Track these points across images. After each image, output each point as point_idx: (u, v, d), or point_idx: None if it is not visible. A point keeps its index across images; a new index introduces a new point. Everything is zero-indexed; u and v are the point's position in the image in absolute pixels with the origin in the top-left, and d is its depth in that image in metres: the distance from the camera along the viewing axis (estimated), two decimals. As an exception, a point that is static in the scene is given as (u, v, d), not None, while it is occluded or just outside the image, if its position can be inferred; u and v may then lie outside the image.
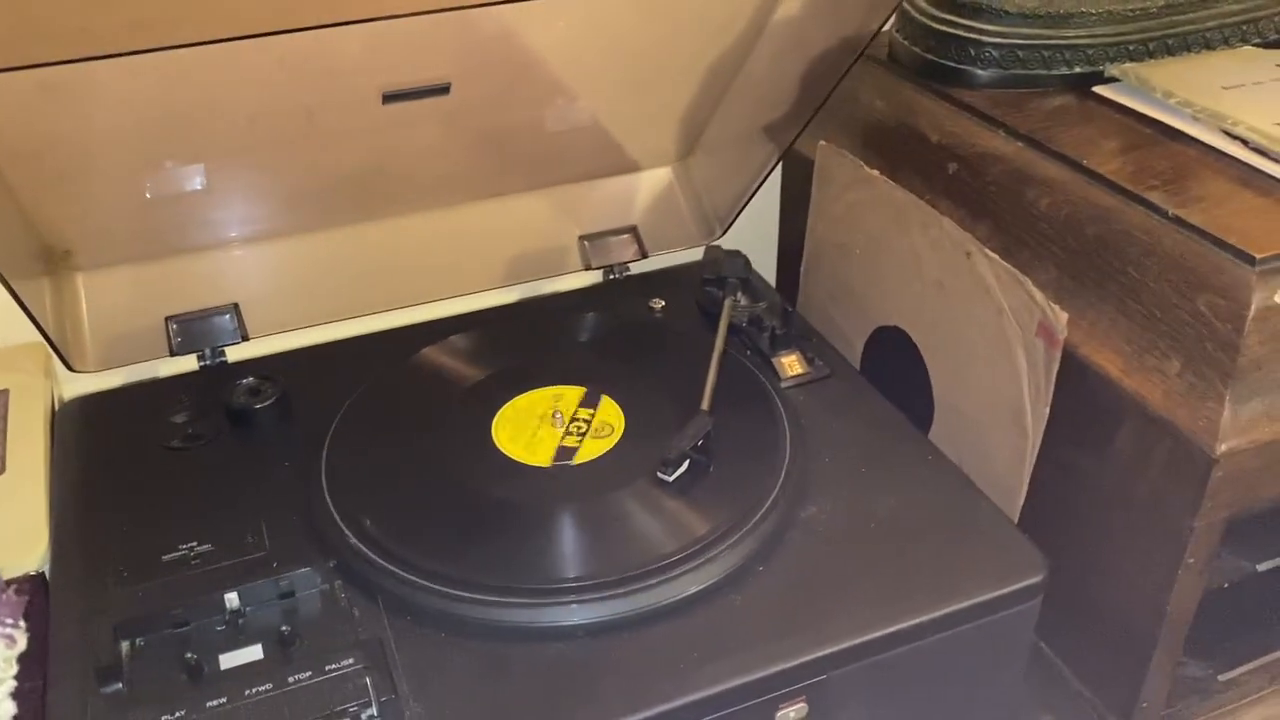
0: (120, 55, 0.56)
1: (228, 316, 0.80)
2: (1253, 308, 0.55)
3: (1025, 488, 0.69)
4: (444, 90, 0.69)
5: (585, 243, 0.90)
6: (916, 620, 0.59)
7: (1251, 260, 0.56)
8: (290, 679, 0.53)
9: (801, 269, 0.90)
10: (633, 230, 0.91)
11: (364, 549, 0.61)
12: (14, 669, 0.57)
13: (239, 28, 0.57)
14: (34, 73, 0.56)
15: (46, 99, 0.60)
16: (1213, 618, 0.65)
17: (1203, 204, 0.61)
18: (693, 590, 0.60)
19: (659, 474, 0.65)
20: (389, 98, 0.68)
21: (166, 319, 0.78)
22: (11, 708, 0.56)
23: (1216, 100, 0.70)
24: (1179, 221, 0.60)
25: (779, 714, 0.58)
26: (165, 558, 0.62)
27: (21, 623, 0.59)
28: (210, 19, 0.56)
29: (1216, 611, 0.65)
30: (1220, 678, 0.68)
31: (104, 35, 0.55)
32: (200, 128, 0.68)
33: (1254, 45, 0.77)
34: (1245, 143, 0.66)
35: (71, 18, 0.52)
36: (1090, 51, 0.75)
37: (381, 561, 0.60)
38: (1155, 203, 0.61)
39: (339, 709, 0.51)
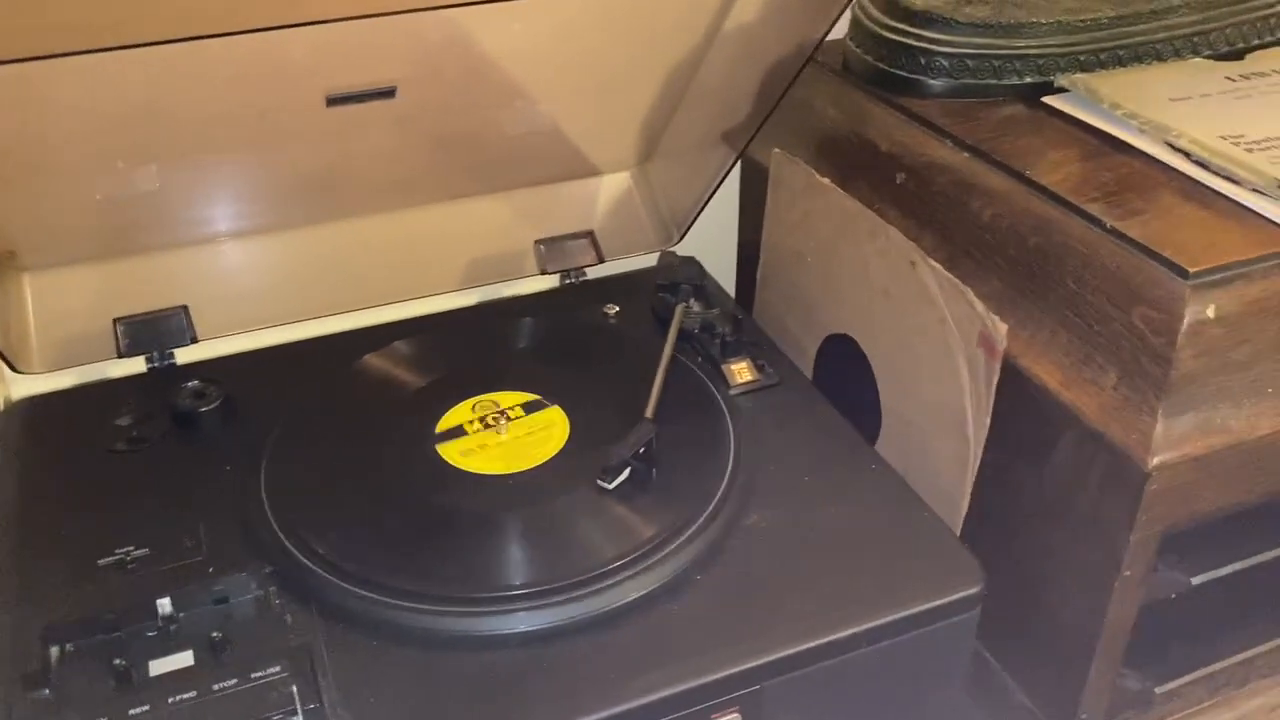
0: (67, 55, 0.56)
1: (177, 318, 0.79)
2: (1185, 321, 0.55)
3: (968, 497, 0.69)
4: (390, 94, 0.69)
5: (541, 247, 0.89)
6: (852, 630, 0.59)
7: (1185, 274, 0.56)
8: (215, 687, 0.53)
9: (758, 276, 0.90)
10: (590, 235, 0.91)
11: (298, 554, 0.61)
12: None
13: (187, 29, 0.57)
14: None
15: (-9, 98, 0.60)
16: (1152, 630, 0.65)
17: (1143, 217, 0.61)
18: (629, 599, 0.60)
19: (599, 481, 0.65)
20: (333, 100, 0.68)
21: (115, 320, 0.78)
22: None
23: (1163, 112, 0.70)
24: (1116, 234, 0.60)
25: (711, 724, 0.58)
26: (101, 561, 0.62)
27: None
28: (157, 20, 0.56)
29: (1156, 624, 0.65)
30: (1158, 690, 0.68)
31: (51, 35, 0.54)
32: (151, 128, 0.67)
33: (1204, 57, 0.78)
34: (1188, 155, 0.66)
35: (16, 17, 0.52)
36: (1041, 61, 0.75)
37: (313, 567, 0.60)
38: (1095, 214, 0.61)
39: (262, 718, 0.51)
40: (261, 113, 0.68)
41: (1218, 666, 0.72)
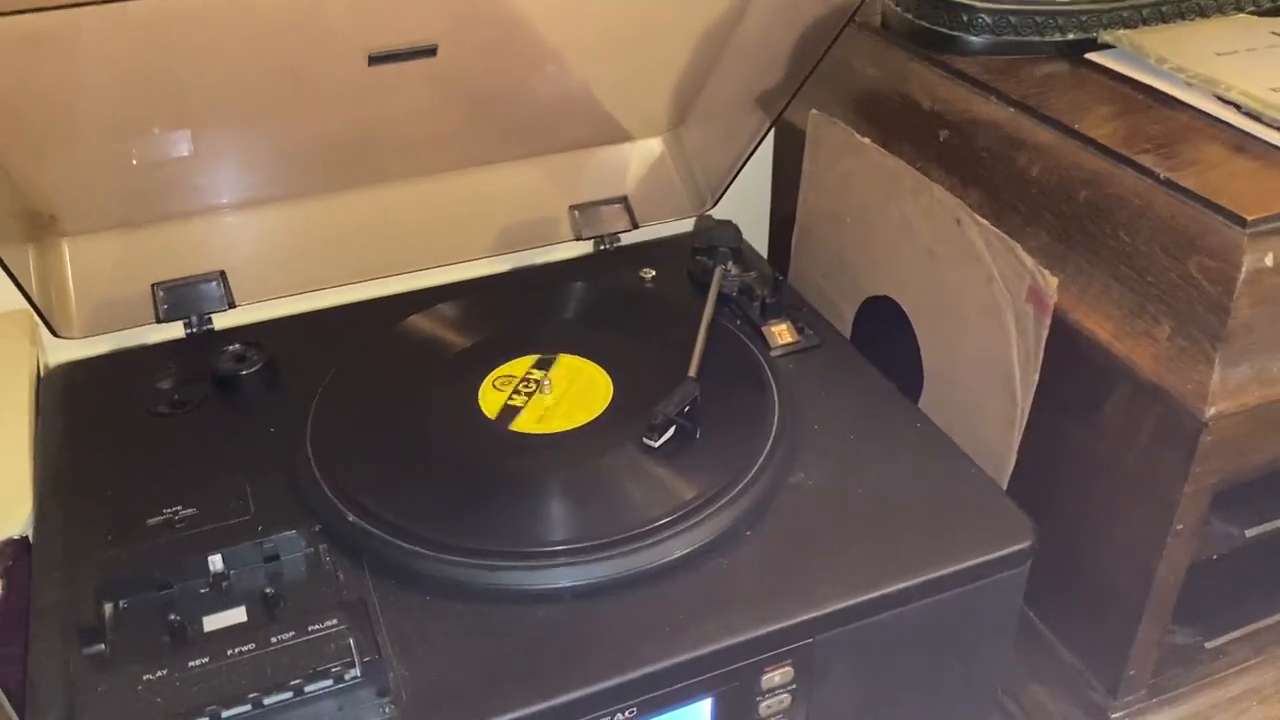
0: (106, 2, 0.55)
1: (215, 283, 0.79)
2: (1243, 270, 0.55)
3: (1014, 455, 0.69)
4: (431, 52, 0.68)
5: (576, 213, 0.89)
6: (903, 584, 0.59)
7: (1243, 222, 0.55)
8: (273, 639, 0.53)
9: (793, 240, 0.90)
10: (624, 200, 0.90)
11: (349, 513, 0.61)
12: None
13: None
14: (18, 23, 0.55)
15: (31, 52, 0.59)
16: (1200, 586, 0.65)
17: (1195, 168, 0.60)
18: (679, 554, 0.59)
19: (645, 439, 0.65)
20: (375, 59, 0.67)
21: (153, 285, 0.78)
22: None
23: (1210, 66, 0.69)
24: (1170, 184, 0.59)
25: (764, 678, 0.58)
26: (149, 521, 0.62)
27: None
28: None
29: (1204, 580, 0.65)
30: (1208, 645, 0.68)
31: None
32: (186, 89, 0.67)
33: (1249, 13, 0.77)
34: (1239, 108, 0.65)
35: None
36: (1084, 18, 0.74)
37: (366, 525, 0.60)
38: (1147, 166, 0.61)
39: (321, 668, 0.51)
40: (300, 72, 0.68)
41: (1263, 623, 0.71)
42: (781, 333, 0.77)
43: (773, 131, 0.88)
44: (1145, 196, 0.60)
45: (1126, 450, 0.62)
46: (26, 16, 0.55)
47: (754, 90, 0.84)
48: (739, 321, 0.78)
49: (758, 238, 0.99)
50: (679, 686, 0.55)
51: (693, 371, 0.69)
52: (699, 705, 0.57)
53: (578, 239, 0.89)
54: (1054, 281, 0.63)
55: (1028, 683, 0.73)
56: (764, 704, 0.59)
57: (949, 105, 0.73)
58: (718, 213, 0.90)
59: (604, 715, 0.54)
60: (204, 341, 0.78)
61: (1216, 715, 0.71)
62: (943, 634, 0.62)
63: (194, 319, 0.79)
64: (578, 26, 0.74)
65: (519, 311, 0.80)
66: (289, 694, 0.50)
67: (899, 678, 0.63)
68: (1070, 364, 0.64)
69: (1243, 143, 0.63)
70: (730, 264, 0.82)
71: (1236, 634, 0.70)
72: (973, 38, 0.75)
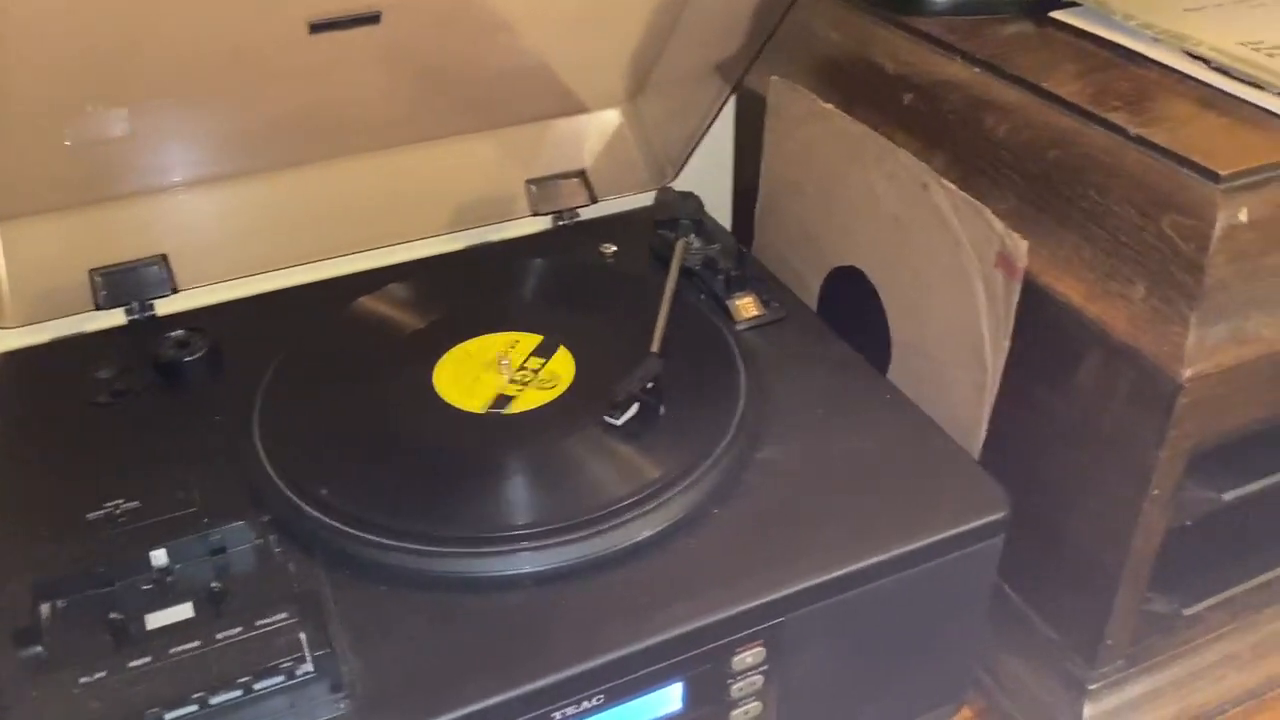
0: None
1: (156, 268, 0.76)
2: (1218, 226, 0.53)
3: (985, 424, 0.67)
4: (374, 19, 0.65)
5: (532, 187, 0.87)
6: (876, 559, 0.57)
7: (1216, 177, 0.54)
8: (220, 636, 0.50)
9: (756, 211, 0.88)
10: (582, 174, 0.88)
11: (298, 501, 0.58)
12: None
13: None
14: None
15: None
16: (1177, 552, 0.64)
17: (1166, 124, 0.59)
18: (645, 535, 0.58)
19: (607, 418, 0.63)
20: (316, 27, 0.64)
21: (91, 271, 0.75)
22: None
23: (1179, 22, 0.68)
24: (1142, 141, 0.57)
25: (735, 659, 0.56)
26: (89, 516, 0.59)
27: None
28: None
29: (1181, 546, 0.64)
30: (1185, 612, 0.67)
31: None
32: (121, 68, 0.64)
33: (1214, -32, 0.75)
34: (1208, 63, 0.64)
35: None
36: (1048, -25, 0.72)
37: (316, 513, 0.57)
38: (1118, 123, 0.59)
39: (271, 664, 0.49)
40: (239, 43, 0.65)
41: (1239, 589, 0.71)
42: (746, 306, 0.75)
43: (733, 100, 0.86)
44: (1116, 155, 0.59)
45: (1101, 415, 0.60)
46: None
47: (712, 58, 0.81)
48: (703, 295, 0.76)
49: (720, 209, 0.96)
50: (648, 671, 0.53)
51: (655, 347, 0.67)
52: (669, 690, 0.55)
53: (535, 214, 0.87)
54: (1024, 245, 0.61)
55: (1004, 656, 0.72)
56: (735, 685, 0.57)
57: (913, 68, 0.71)
58: (679, 184, 0.88)
59: (570, 704, 0.52)
60: (146, 328, 0.75)
61: (1194, 683, 0.70)
62: (917, 608, 0.61)
63: (135, 305, 0.75)
64: (529, -8, 0.71)
65: (475, 290, 0.77)
66: (237, 692, 0.48)
67: (872, 654, 0.62)
68: (1042, 329, 0.62)
69: (1213, 98, 0.61)
70: (693, 237, 0.79)
71: (1213, 600, 0.69)
72: (935, -2, 0.73)
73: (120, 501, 0.60)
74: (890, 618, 0.60)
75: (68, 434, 0.66)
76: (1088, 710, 0.68)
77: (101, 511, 0.59)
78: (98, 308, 0.75)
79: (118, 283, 0.75)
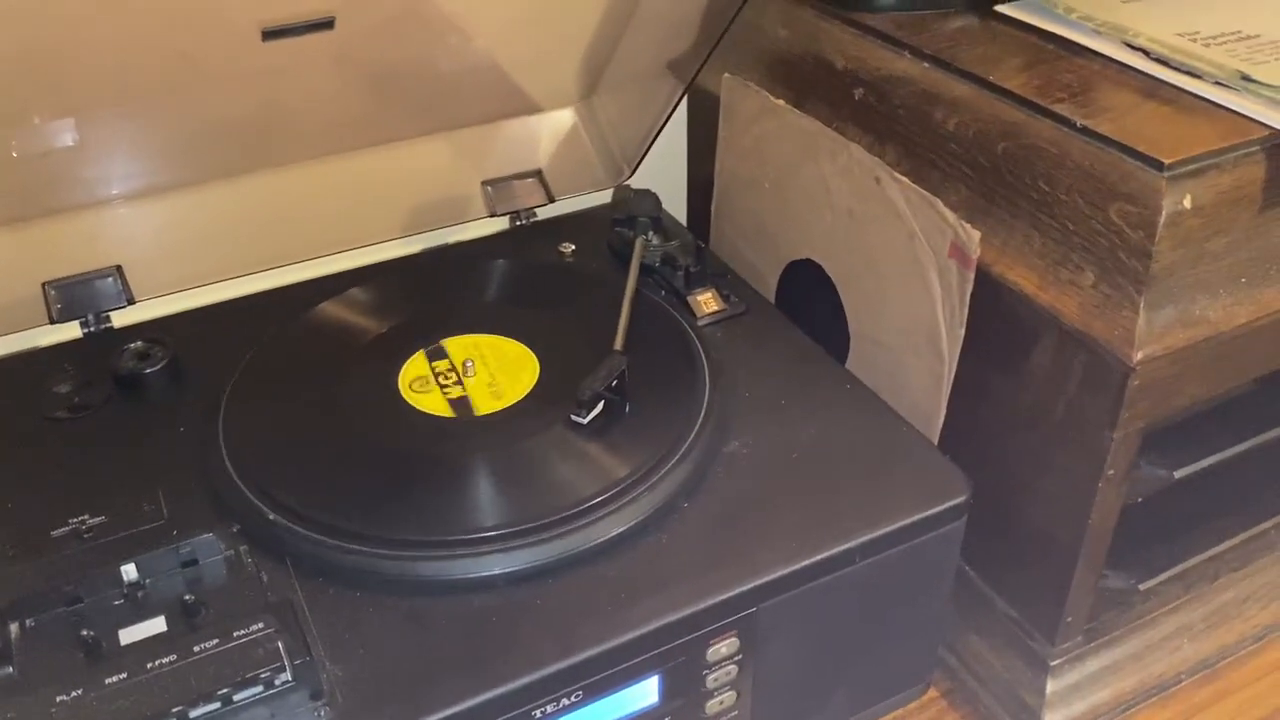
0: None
1: (111, 279, 0.75)
2: (1164, 213, 0.55)
3: (943, 412, 0.68)
4: (328, 25, 0.65)
5: (489, 188, 0.87)
6: (844, 546, 0.58)
7: (1160, 165, 0.55)
8: (196, 648, 0.50)
9: (712, 207, 0.89)
10: (538, 174, 0.88)
11: (268, 510, 0.58)
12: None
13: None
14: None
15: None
16: (1131, 529, 0.66)
17: (1110, 114, 0.60)
18: (615, 532, 0.58)
19: (573, 416, 0.63)
20: (269, 34, 0.64)
21: (44, 285, 0.73)
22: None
23: (1117, 14, 0.69)
24: (1087, 131, 0.59)
25: (710, 650, 0.57)
26: (54, 533, 0.58)
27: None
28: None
29: (1134, 523, 0.66)
30: (1141, 587, 0.69)
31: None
32: (67, 77, 0.63)
33: (1150, -40, 0.77)
34: (1147, 54, 0.66)
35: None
36: (991, -30, 0.74)
37: (287, 522, 0.57)
38: (1064, 114, 0.60)
39: (250, 675, 0.49)
40: (190, 50, 0.64)
41: (1191, 562, 0.73)
42: (707, 301, 0.76)
43: (686, 97, 0.87)
44: (1062, 145, 0.60)
45: (1055, 400, 0.62)
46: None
47: (665, 56, 0.82)
48: (663, 292, 0.77)
49: (677, 206, 0.97)
50: (623, 666, 0.54)
51: (618, 344, 0.68)
52: (645, 684, 0.56)
53: (493, 215, 0.87)
54: (976, 235, 0.62)
55: (968, 636, 0.74)
56: (711, 676, 0.58)
57: (862, 63, 0.72)
58: (635, 182, 0.88)
59: (548, 702, 0.52)
60: (103, 341, 0.74)
61: (1150, 654, 0.72)
62: (883, 592, 0.62)
63: (91, 318, 0.75)
64: (480, -6, 0.71)
65: (436, 293, 0.77)
66: (217, 704, 0.48)
67: (842, 639, 0.63)
68: (996, 317, 0.64)
69: (1153, 88, 0.63)
70: (651, 234, 0.80)
71: (1167, 575, 0.71)
72: (882, -6, 0.74)
73: (85, 517, 0.59)
74: (859, 602, 0.61)
75: (26, 450, 0.65)
76: (1050, 685, 0.69)
77: (67, 528, 0.59)
78: (52, 321, 0.74)
79: (72, 296, 0.74)
